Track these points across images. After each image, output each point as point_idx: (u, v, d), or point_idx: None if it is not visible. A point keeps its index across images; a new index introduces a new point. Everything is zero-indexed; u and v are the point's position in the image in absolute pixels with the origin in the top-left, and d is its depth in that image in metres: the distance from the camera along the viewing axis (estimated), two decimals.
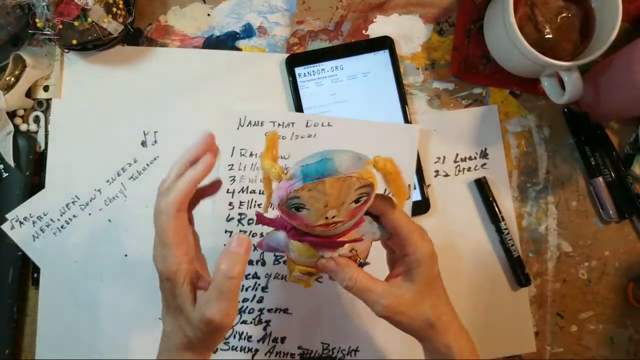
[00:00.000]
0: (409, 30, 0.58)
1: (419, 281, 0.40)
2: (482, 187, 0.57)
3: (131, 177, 0.55)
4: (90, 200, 0.54)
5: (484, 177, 0.57)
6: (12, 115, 0.54)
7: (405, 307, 0.39)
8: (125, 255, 0.54)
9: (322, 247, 0.38)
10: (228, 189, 0.55)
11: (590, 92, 0.54)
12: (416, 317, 0.40)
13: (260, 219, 0.40)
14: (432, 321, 0.40)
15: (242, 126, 0.55)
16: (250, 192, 0.55)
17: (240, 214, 0.55)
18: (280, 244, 0.39)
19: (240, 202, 0.55)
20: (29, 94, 0.55)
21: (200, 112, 0.56)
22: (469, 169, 0.58)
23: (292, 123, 0.55)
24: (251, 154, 0.55)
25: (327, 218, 0.34)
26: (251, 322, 0.55)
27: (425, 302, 0.40)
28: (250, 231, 0.55)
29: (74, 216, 0.54)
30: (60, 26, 0.49)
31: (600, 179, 0.58)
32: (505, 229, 0.56)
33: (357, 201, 0.35)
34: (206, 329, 0.36)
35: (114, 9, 0.50)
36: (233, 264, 0.36)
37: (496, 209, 0.56)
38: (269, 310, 0.55)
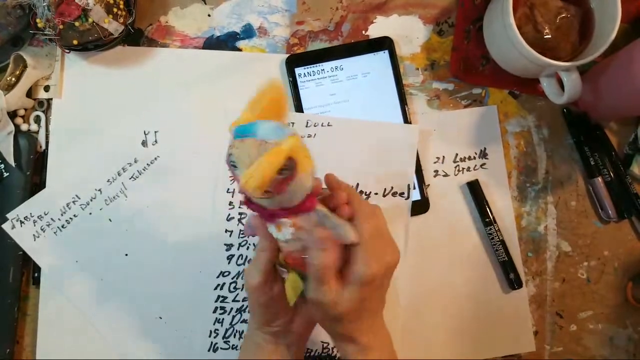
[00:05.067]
0: (408, 31, 0.58)
1: (353, 299, 0.38)
2: (474, 189, 0.57)
3: (132, 176, 0.55)
4: (91, 200, 0.54)
5: (476, 179, 0.57)
6: (12, 115, 0.54)
7: (332, 316, 0.39)
8: (126, 255, 0.54)
9: (267, 216, 0.38)
10: (228, 189, 0.55)
11: (590, 92, 0.54)
12: (338, 328, 0.40)
13: (246, 202, 0.39)
14: (356, 340, 0.40)
15: None
16: None
17: (240, 214, 0.55)
18: (249, 221, 0.41)
19: (240, 202, 0.55)
20: (29, 94, 0.55)
21: (200, 112, 0.56)
22: (468, 169, 0.58)
23: (292, 123, 0.55)
24: None
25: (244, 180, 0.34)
26: None
27: (354, 321, 0.40)
28: None
29: (74, 216, 0.54)
30: (61, 26, 0.49)
31: (600, 179, 0.58)
32: (490, 233, 0.56)
33: (280, 173, 0.34)
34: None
35: (115, 10, 0.50)
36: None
37: (488, 211, 0.56)
38: None
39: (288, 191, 0.35)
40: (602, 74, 0.54)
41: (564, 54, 0.53)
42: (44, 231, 0.54)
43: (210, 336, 0.54)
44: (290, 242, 0.39)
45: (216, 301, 0.55)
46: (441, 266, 0.57)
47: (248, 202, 0.38)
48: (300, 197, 0.36)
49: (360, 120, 0.56)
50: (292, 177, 0.34)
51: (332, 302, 0.38)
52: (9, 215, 0.53)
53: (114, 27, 0.51)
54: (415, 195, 0.56)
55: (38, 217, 0.53)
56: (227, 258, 0.55)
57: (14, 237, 0.53)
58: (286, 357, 0.43)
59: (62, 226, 0.54)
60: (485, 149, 0.58)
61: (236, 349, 0.55)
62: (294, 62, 0.56)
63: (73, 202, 0.54)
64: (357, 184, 0.56)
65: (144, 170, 0.55)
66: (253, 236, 0.46)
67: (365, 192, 0.56)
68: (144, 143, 0.55)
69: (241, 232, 0.55)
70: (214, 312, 0.55)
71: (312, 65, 0.56)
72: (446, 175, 0.58)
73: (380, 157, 0.56)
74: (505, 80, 0.58)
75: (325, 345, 0.55)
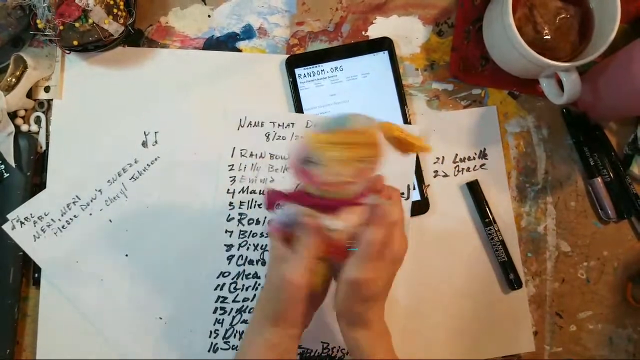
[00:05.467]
0: (408, 31, 0.58)
1: (384, 278, 0.41)
2: (474, 190, 0.57)
3: (132, 177, 0.55)
4: (91, 201, 0.54)
5: (476, 180, 0.57)
6: (13, 115, 0.55)
7: (367, 294, 0.41)
8: (126, 255, 0.55)
9: (328, 207, 0.39)
10: (228, 189, 0.55)
11: (589, 92, 0.54)
12: (363, 309, 0.41)
13: (272, 194, 0.41)
14: (369, 322, 0.41)
15: (242, 126, 0.55)
16: (251, 192, 0.55)
17: (240, 214, 0.55)
18: (290, 216, 0.40)
19: (241, 202, 0.55)
20: (30, 94, 0.55)
21: (200, 112, 0.56)
22: (468, 169, 0.58)
23: (292, 123, 0.55)
24: (251, 154, 0.55)
25: (334, 176, 0.36)
26: None
27: (377, 301, 0.42)
28: (250, 231, 0.55)
29: (74, 216, 0.54)
30: (61, 27, 0.49)
31: (599, 179, 0.58)
32: (490, 233, 0.56)
33: (362, 162, 0.36)
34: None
35: (115, 10, 0.50)
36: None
37: (488, 211, 0.57)
38: None
39: (366, 180, 0.37)
40: (601, 74, 0.54)
41: (564, 55, 0.53)
42: (44, 232, 0.54)
43: (210, 336, 0.54)
44: (342, 232, 0.39)
45: (216, 301, 0.55)
46: (441, 266, 0.57)
47: (305, 196, 0.39)
48: (366, 184, 0.39)
49: None
50: (374, 164, 0.37)
51: (373, 280, 0.40)
52: (9, 216, 0.53)
53: (114, 27, 0.51)
54: (415, 195, 0.56)
55: (38, 217, 0.54)
56: (227, 258, 0.55)
57: (14, 237, 0.53)
58: (293, 351, 0.43)
59: (63, 227, 0.54)
60: (484, 149, 0.58)
61: (236, 350, 0.55)
62: (293, 62, 0.56)
63: (73, 202, 0.54)
64: None
65: (144, 170, 0.55)
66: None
67: None
68: (144, 144, 0.55)
69: (241, 232, 0.55)
70: (214, 312, 0.55)
71: (312, 66, 0.56)
72: (446, 175, 0.58)
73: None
74: (505, 80, 0.58)
75: (325, 345, 0.55)
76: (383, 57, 0.57)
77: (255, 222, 0.55)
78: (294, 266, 0.39)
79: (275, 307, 0.41)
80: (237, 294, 0.55)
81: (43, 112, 0.55)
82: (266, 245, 0.55)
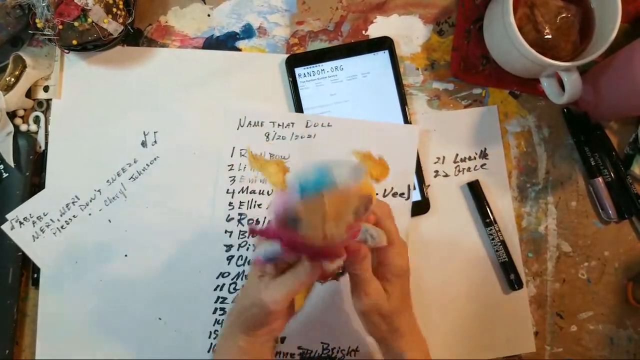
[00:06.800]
0: (408, 31, 0.58)
1: (396, 292, 0.42)
2: (474, 190, 0.57)
3: (131, 177, 0.55)
4: (90, 201, 0.54)
5: (477, 180, 0.57)
6: (12, 115, 0.54)
7: (385, 312, 0.41)
8: (125, 256, 0.54)
9: (320, 258, 0.37)
10: (228, 189, 0.55)
11: (590, 92, 0.54)
12: (389, 324, 0.41)
13: (254, 232, 0.39)
14: (400, 332, 0.42)
15: (242, 126, 0.55)
16: (250, 192, 0.55)
17: (240, 214, 0.55)
18: (276, 253, 0.38)
19: (240, 202, 0.55)
20: (29, 94, 0.55)
21: (200, 112, 0.56)
22: (468, 169, 0.58)
23: (292, 123, 0.55)
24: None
25: (325, 233, 0.34)
26: None
27: (400, 313, 0.42)
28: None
29: (74, 216, 0.54)
30: (60, 27, 0.49)
31: (600, 179, 0.58)
32: (491, 234, 0.56)
33: (355, 213, 0.34)
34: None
35: (114, 10, 0.50)
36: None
37: (489, 211, 0.56)
38: None
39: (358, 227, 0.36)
40: (602, 73, 0.53)
41: (564, 54, 0.53)
42: (43, 232, 0.53)
43: (210, 337, 0.54)
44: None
45: (216, 302, 0.55)
46: (441, 266, 0.57)
47: (292, 241, 0.36)
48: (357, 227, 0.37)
49: (360, 121, 0.56)
50: (367, 212, 0.35)
51: (383, 300, 0.40)
52: (8, 216, 0.53)
53: (114, 27, 0.50)
54: (416, 195, 0.56)
55: (37, 217, 0.53)
56: (227, 259, 0.55)
57: (13, 237, 0.53)
58: (267, 354, 0.43)
59: (62, 227, 0.54)
60: (485, 149, 0.58)
61: None
62: (293, 62, 0.56)
63: (72, 202, 0.54)
64: None
65: (144, 170, 0.55)
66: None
67: None
68: (144, 143, 0.55)
69: (241, 232, 0.55)
70: (214, 313, 0.54)
71: (312, 66, 0.56)
72: (446, 175, 0.57)
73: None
74: (506, 80, 0.58)
75: (325, 345, 0.55)
76: (383, 56, 0.57)
77: (255, 222, 0.55)
78: (274, 294, 0.39)
79: (248, 321, 0.41)
80: (237, 295, 0.55)
81: (42, 112, 0.55)
82: None
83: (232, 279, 0.55)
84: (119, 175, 0.55)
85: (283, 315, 0.42)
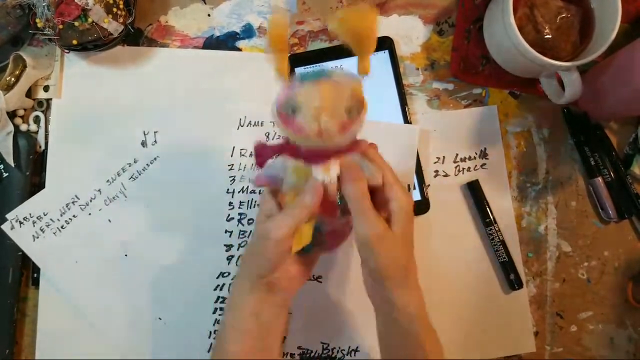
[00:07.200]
0: (408, 31, 0.58)
1: (399, 228, 0.40)
2: (474, 190, 0.57)
3: (131, 177, 0.55)
4: (90, 200, 0.54)
5: (477, 179, 0.57)
6: (12, 115, 0.54)
7: (388, 245, 0.39)
8: (125, 255, 0.54)
9: (315, 158, 0.39)
10: (228, 189, 0.55)
11: (590, 92, 0.54)
12: (393, 259, 0.40)
13: (260, 148, 0.42)
14: (406, 269, 0.40)
15: (242, 126, 0.55)
16: (251, 192, 0.55)
17: (240, 214, 0.55)
18: (277, 167, 0.41)
19: (240, 202, 0.55)
20: (29, 94, 0.55)
21: (200, 112, 0.56)
22: (468, 169, 0.58)
23: None
24: (251, 154, 0.55)
25: (320, 127, 0.36)
26: None
27: (404, 249, 0.41)
28: (250, 231, 0.55)
29: (74, 216, 0.54)
30: (61, 26, 0.49)
31: (600, 179, 0.58)
32: (490, 233, 0.56)
33: (349, 112, 0.37)
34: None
35: (115, 9, 0.50)
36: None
37: (488, 211, 0.56)
38: None
39: (351, 130, 0.37)
40: (602, 73, 0.54)
41: (564, 54, 0.53)
42: (43, 232, 0.53)
43: (210, 337, 0.54)
44: (331, 185, 0.40)
45: (216, 302, 0.55)
46: (441, 266, 0.57)
47: (293, 148, 0.39)
48: (352, 138, 0.39)
49: None
50: (359, 116, 0.38)
51: (383, 231, 0.39)
52: (8, 216, 0.53)
53: (114, 27, 0.50)
54: (416, 195, 0.56)
55: (37, 217, 0.53)
56: (227, 259, 0.55)
57: (13, 237, 0.53)
58: (278, 323, 0.42)
59: (62, 227, 0.54)
60: (485, 149, 0.58)
61: None
62: (294, 62, 0.56)
63: (72, 202, 0.54)
64: None
65: (144, 170, 0.55)
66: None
67: None
68: (144, 143, 0.55)
69: (241, 232, 0.55)
70: (214, 312, 0.54)
71: (312, 65, 0.56)
72: (446, 175, 0.57)
73: None
74: (506, 80, 0.58)
75: (325, 345, 0.55)
76: (383, 56, 0.57)
77: (255, 222, 0.55)
78: (280, 223, 0.39)
79: (259, 263, 0.40)
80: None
81: (42, 112, 0.55)
82: None
83: (232, 279, 0.55)
84: (119, 175, 0.55)
85: (293, 262, 0.41)
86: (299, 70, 0.40)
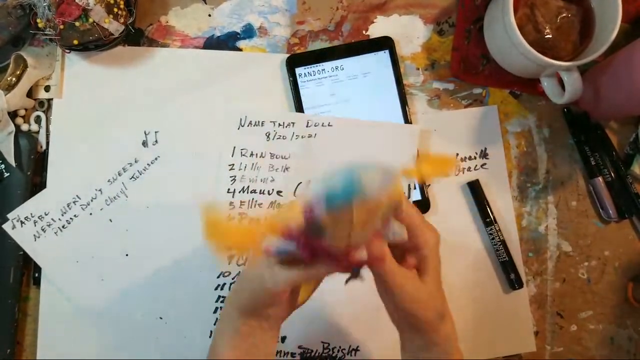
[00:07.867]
0: (409, 31, 0.58)
1: (433, 274, 0.39)
2: (475, 189, 0.57)
3: (132, 177, 0.55)
4: (92, 200, 0.54)
5: (477, 179, 0.57)
6: (13, 115, 0.54)
7: (423, 297, 0.38)
8: (127, 255, 0.54)
9: (339, 268, 0.35)
10: (228, 189, 0.55)
11: (590, 92, 0.54)
12: (430, 309, 0.39)
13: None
14: (442, 313, 0.39)
15: (242, 126, 0.55)
16: (251, 192, 0.55)
17: (240, 214, 0.55)
18: (292, 250, 0.35)
19: (241, 202, 0.55)
20: (30, 94, 0.55)
21: (200, 112, 0.56)
22: (468, 169, 0.58)
23: (293, 123, 0.55)
24: (252, 154, 0.55)
25: (350, 241, 0.32)
26: None
27: (437, 294, 0.40)
28: None
29: (75, 216, 0.54)
30: (62, 26, 0.49)
31: (600, 178, 0.58)
32: (491, 233, 0.56)
33: (383, 218, 0.33)
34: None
35: (115, 10, 0.50)
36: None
37: (489, 211, 0.56)
38: None
39: (386, 232, 0.35)
40: (602, 73, 0.54)
41: (565, 54, 0.53)
42: (44, 231, 0.54)
43: (210, 336, 0.54)
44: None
45: (216, 301, 0.55)
46: (442, 266, 0.57)
47: (320, 251, 0.34)
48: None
49: (361, 121, 0.56)
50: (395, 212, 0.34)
51: (416, 291, 0.38)
52: (9, 216, 0.53)
53: (115, 27, 0.51)
54: (416, 195, 0.56)
55: (38, 217, 0.53)
56: (227, 258, 0.55)
57: (15, 237, 0.53)
58: (268, 344, 0.40)
59: (63, 226, 0.54)
60: (485, 149, 0.58)
61: None
62: (294, 62, 0.56)
63: (73, 202, 0.54)
64: None
65: (145, 170, 0.55)
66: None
67: None
68: (145, 143, 0.55)
69: None
70: (215, 312, 0.55)
71: (312, 65, 0.56)
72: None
73: (380, 157, 0.55)
74: (506, 80, 0.58)
75: (325, 345, 0.55)
76: (384, 56, 0.57)
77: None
78: (279, 274, 0.36)
79: (246, 299, 0.39)
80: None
81: (43, 112, 0.55)
82: None
83: (232, 279, 0.55)
84: (120, 174, 0.55)
85: (285, 300, 0.39)
86: (322, 181, 0.30)
